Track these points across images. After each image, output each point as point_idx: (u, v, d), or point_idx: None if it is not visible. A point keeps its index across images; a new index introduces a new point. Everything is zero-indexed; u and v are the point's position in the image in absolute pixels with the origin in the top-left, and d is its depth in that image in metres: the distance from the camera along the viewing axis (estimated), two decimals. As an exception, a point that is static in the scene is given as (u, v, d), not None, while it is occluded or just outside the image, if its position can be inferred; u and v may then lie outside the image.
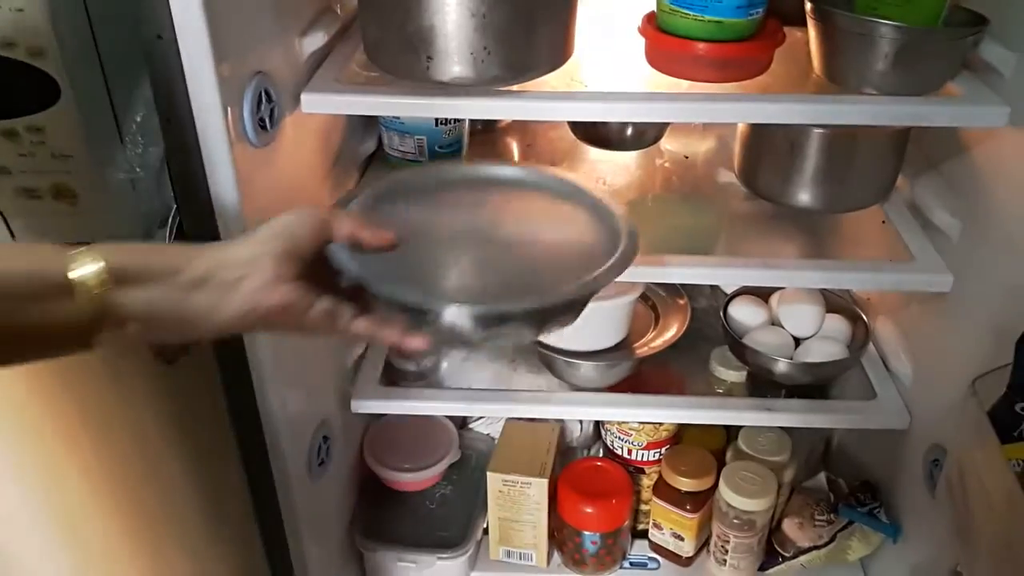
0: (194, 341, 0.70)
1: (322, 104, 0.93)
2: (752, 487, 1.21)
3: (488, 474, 1.26)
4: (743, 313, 1.22)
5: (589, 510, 1.26)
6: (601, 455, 1.37)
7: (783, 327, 1.21)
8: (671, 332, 1.19)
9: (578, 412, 1.26)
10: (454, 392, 1.23)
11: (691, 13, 0.90)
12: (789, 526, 1.27)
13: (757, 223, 1.15)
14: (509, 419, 1.35)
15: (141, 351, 0.84)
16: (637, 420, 1.27)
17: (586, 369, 1.18)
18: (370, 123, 1.22)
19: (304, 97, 0.92)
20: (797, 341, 1.20)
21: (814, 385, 1.20)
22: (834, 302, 1.23)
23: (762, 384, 1.21)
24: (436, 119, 1.13)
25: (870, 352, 1.25)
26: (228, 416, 0.96)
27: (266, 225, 0.72)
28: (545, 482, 1.24)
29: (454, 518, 1.33)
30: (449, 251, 0.80)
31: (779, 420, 1.19)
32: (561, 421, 1.36)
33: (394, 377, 1.25)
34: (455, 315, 0.71)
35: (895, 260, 1.06)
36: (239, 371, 0.92)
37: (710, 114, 0.94)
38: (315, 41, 0.97)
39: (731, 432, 1.32)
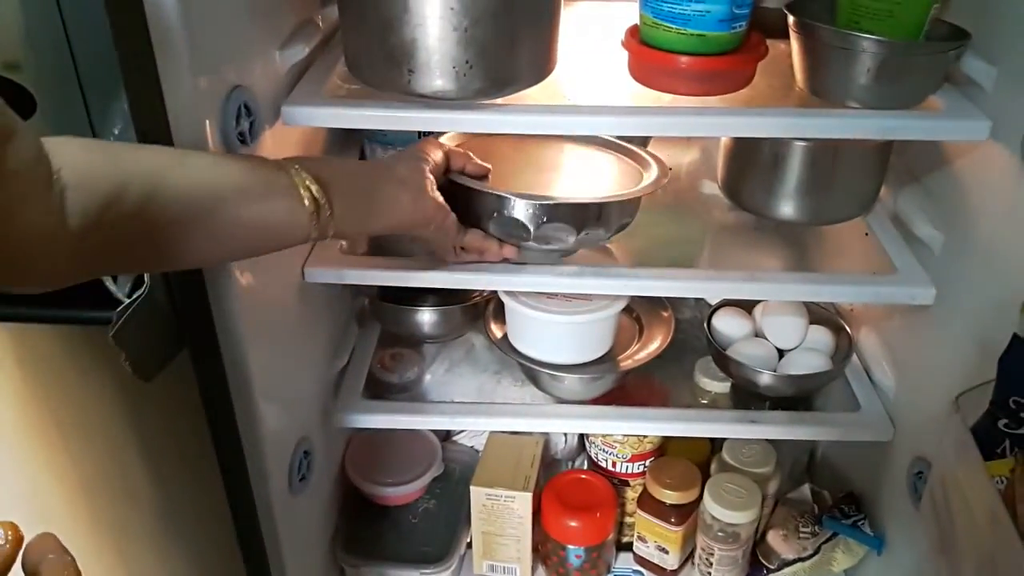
0: (372, 234, 0.94)
1: (303, 117, 0.92)
2: (736, 499, 1.21)
3: (471, 488, 1.25)
4: (727, 325, 1.22)
5: (573, 524, 1.25)
6: (585, 467, 1.36)
7: (767, 339, 1.21)
8: (655, 344, 1.19)
9: (562, 425, 1.26)
10: (437, 405, 1.22)
11: (674, 27, 0.90)
12: (774, 538, 1.26)
13: (740, 235, 1.15)
14: (492, 432, 1.35)
15: (119, 367, 0.83)
16: (621, 433, 1.26)
17: (570, 382, 1.18)
18: (351, 136, 1.21)
19: (284, 110, 0.91)
20: (781, 353, 1.20)
21: (798, 397, 1.20)
22: (818, 313, 1.23)
23: (746, 396, 1.21)
24: (419, 132, 1.13)
25: (854, 363, 1.25)
26: (208, 432, 0.95)
27: (408, 151, 0.93)
28: (529, 496, 1.24)
29: (437, 532, 1.32)
30: (528, 174, 1.02)
31: (763, 432, 1.19)
32: (545, 434, 1.36)
33: (377, 390, 1.24)
34: (541, 209, 0.95)
35: (878, 272, 1.06)
36: (218, 387, 0.91)
37: (693, 128, 0.94)
38: (295, 54, 0.96)
39: (715, 444, 1.32)
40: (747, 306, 1.24)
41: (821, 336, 1.20)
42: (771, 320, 1.21)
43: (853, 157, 1.02)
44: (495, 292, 1.21)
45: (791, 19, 0.92)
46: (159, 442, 1.05)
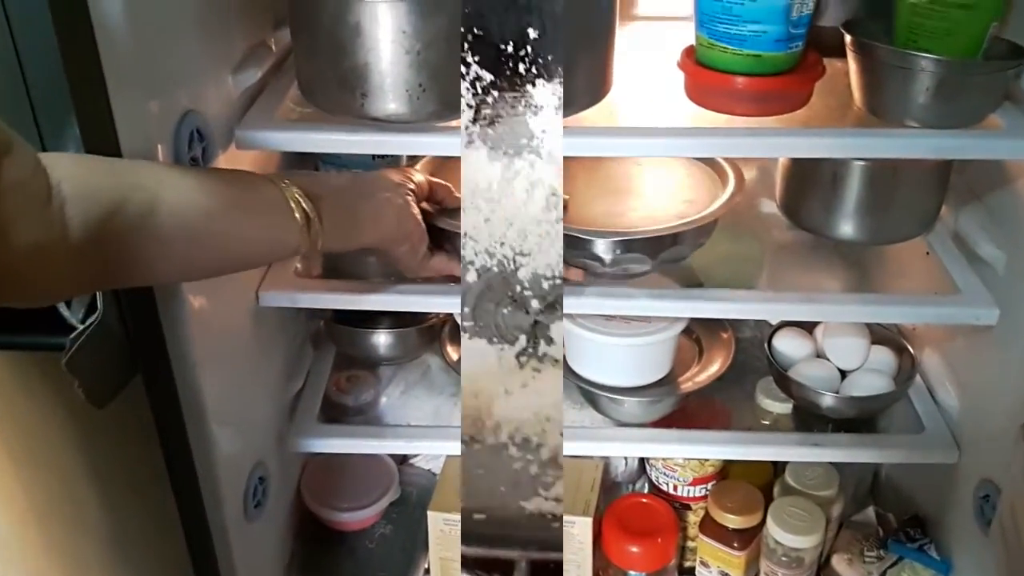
0: (355, 248, 0.89)
1: (256, 141, 0.91)
2: (800, 523, 1.19)
3: (428, 513, 1.21)
4: (788, 345, 1.21)
5: (634, 549, 1.23)
6: (646, 491, 1.36)
7: (828, 359, 1.20)
8: (715, 366, 1.18)
9: (622, 448, 1.25)
10: (395, 429, 1.20)
11: (730, 47, 0.90)
12: (838, 562, 1.24)
13: (800, 255, 1.14)
14: (450, 456, 1.30)
15: (70, 393, 0.82)
16: (682, 456, 1.25)
17: (630, 405, 1.17)
18: (305, 159, 1.20)
19: (238, 134, 0.91)
20: (843, 373, 1.19)
21: (861, 418, 1.18)
22: (880, 333, 1.22)
23: (809, 417, 1.20)
24: (373, 155, 1.12)
25: (917, 384, 1.23)
26: (161, 457, 0.93)
27: (390, 170, 0.95)
28: (589, 520, 1.22)
29: (393, 558, 1.29)
30: (601, 194, 1.04)
31: (827, 455, 1.17)
32: (605, 457, 1.35)
33: (333, 413, 1.23)
34: (617, 243, 0.97)
35: (940, 293, 1.04)
36: (171, 412, 0.90)
37: (750, 149, 0.94)
38: (248, 78, 0.96)
39: (778, 466, 1.31)
40: (808, 326, 1.23)
41: (883, 356, 1.19)
42: (832, 341, 1.20)
43: (913, 176, 1.01)
44: (451, 314, 1.20)
45: (848, 38, 0.92)
46: (111, 468, 1.04)
